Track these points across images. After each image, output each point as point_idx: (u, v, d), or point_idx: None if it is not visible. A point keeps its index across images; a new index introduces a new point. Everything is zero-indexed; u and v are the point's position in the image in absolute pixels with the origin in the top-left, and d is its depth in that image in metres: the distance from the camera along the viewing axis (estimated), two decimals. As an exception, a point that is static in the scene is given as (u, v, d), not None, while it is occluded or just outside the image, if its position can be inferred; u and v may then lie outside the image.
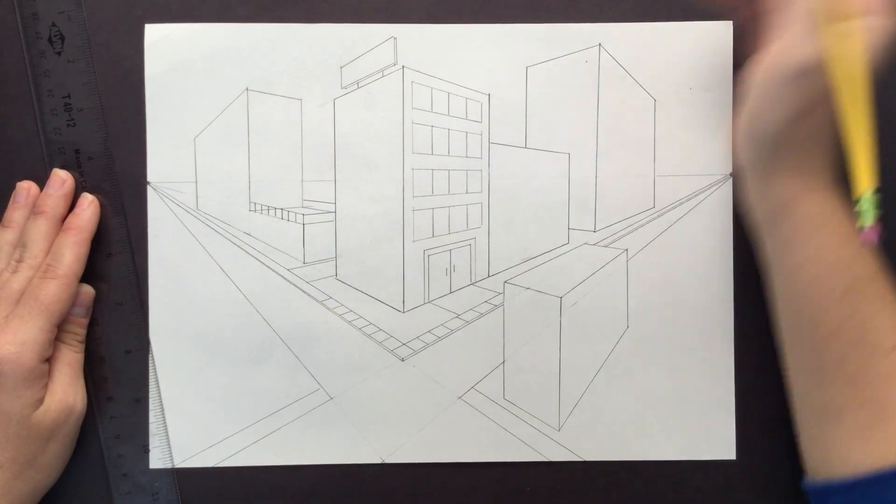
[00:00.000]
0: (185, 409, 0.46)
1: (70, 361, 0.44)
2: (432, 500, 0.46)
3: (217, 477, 0.46)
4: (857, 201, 0.34)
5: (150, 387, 0.46)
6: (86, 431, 0.45)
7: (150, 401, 0.46)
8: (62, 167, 0.45)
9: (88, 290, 0.45)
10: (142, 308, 0.46)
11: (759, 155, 0.40)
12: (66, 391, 0.43)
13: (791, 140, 0.38)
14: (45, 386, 0.42)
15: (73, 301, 0.43)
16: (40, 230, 0.43)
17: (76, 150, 0.45)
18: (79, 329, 0.44)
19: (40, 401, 0.41)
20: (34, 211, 0.44)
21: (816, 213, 0.38)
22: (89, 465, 0.46)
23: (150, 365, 0.46)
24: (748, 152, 0.41)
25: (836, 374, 0.37)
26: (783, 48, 0.37)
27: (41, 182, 0.44)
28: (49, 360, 0.42)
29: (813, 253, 0.38)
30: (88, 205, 0.44)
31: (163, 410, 0.46)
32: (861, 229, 0.34)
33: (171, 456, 0.46)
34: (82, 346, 0.45)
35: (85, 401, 0.44)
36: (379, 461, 0.46)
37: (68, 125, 0.45)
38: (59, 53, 0.45)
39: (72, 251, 0.43)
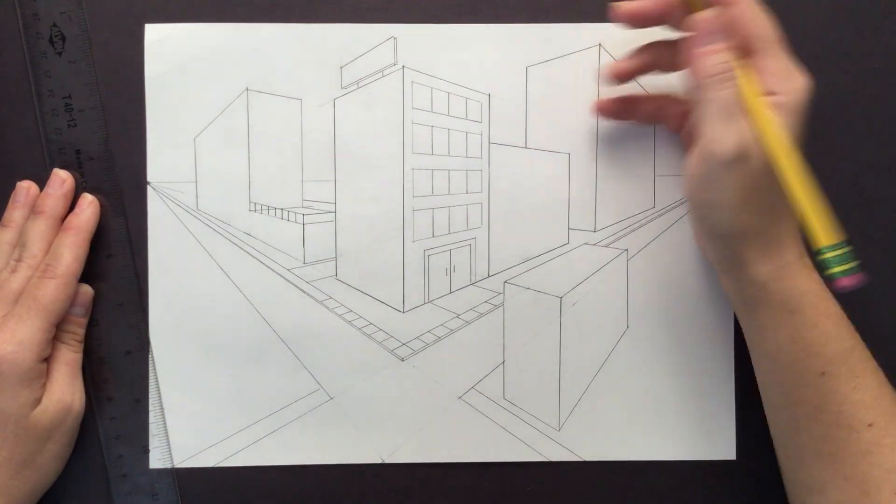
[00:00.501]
0: (185, 409, 0.46)
1: (68, 361, 0.43)
2: (432, 500, 0.46)
3: (217, 477, 0.46)
4: (817, 252, 0.35)
5: (149, 387, 0.46)
6: (86, 432, 0.45)
7: (150, 401, 0.46)
8: (62, 167, 0.45)
9: (87, 290, 0.45)
10: (142, 308, 0.46)
11: (723, 249, 0.39)
12: (65, 391, 0.43)
13: (747, 221, 0.37)
14: (44, 385, 0.42)
15: (72, 301, 0.43)
16: (39, 230, 0.43)
17: (77, 151, 0.45)
18: (77, 329, 0.44)
19: (38, 400, 0.41)
20: (34, 211, 0.44)
21: (789, 297, 0.38)
22: (89, 465, 0.46)
23: (150, 365, 0.46)
24: (711, 250, 0.40)
25: (818, 451, 0.38)
26: (707, 142, 0.36)
27: (41, 182, 0.44)
28: (47, 360, 0.42)
29: (789, 336, 0.38)
30: (88, 205, 0.44)
31: (163, 410, 0.46)
32: (830, 278, 0.35)
33: (171, 456, 0.46)
34: (81, 346, 0.45)
35: (83, 400, 0.44)
36: (379, 461, 0.46)
37: (69, 125, 0.45)
38: (59, 54, 0.45)
39: (71, 251, 0.43)
